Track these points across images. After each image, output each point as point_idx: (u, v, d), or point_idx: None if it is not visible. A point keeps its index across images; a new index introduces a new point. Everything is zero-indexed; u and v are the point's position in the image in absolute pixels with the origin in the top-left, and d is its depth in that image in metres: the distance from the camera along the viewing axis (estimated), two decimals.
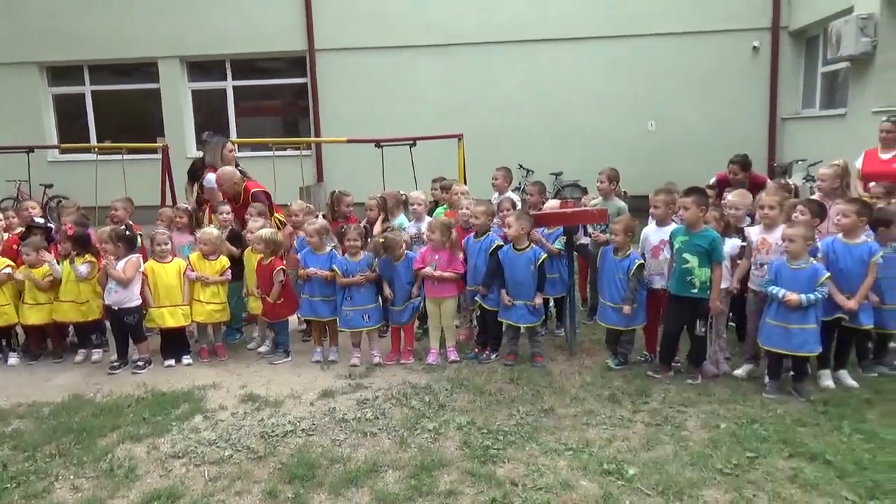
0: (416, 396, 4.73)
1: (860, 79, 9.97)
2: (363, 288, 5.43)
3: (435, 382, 4.99)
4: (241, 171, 6.75)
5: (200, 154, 7.93)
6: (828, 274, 4.46)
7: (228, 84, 14.00)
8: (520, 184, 11.83)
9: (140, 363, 5.50)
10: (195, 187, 7.21)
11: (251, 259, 5.79)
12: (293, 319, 6.03)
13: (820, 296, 4.40)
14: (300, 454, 3.92)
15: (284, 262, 5.65)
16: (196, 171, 7.69)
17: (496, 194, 6.64)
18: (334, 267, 5.47)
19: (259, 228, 5.73)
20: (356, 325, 5.47)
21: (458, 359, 5.45)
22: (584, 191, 11.69)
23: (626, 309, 5.05)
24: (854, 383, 4.67)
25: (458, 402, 4.60)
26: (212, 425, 4.38)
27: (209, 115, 14.08)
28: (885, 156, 6.40)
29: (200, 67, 14.07)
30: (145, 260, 5.69)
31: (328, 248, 5.66)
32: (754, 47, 12.53)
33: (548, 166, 12.86)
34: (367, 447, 4.01)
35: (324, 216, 6.31)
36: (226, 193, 6.43)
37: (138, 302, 5.48)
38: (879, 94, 9.49)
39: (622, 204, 6.08)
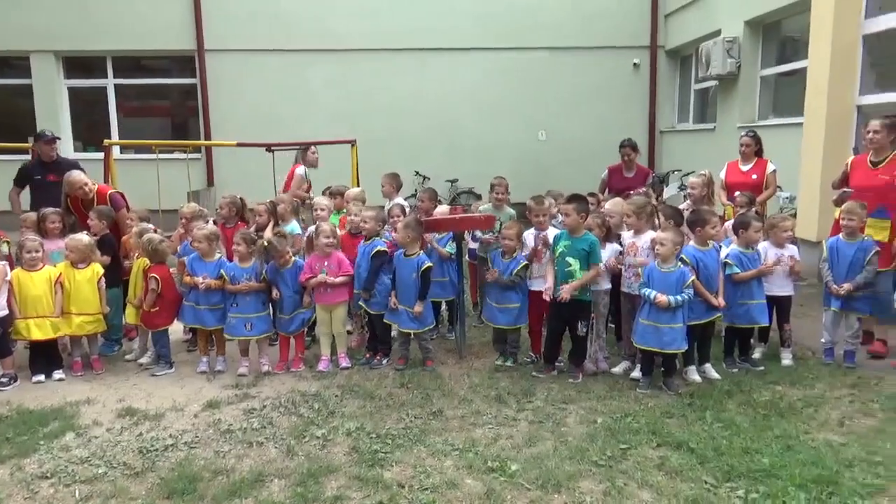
0: (305, 404, 4.68)
1: (727, 96, 10.83)
2: (248, 296, 5.32)
3: (325, 389, 4.97)
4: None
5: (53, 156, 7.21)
6: (693, 277, 4.82)
7: (110, 82, 13.27)
8: (415, 190, 11.94)
9: (4, 380, 5.10)
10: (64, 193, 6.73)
11: (138, 264, 5.53)
12: (178, 328, 5.81)
13: (686, 297, 4.75)
14: (181, 468, 3.78)
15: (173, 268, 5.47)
16: (27, 175, 7.14)
17: (388, 200, 6.69)
18: (222, 272, 5.34)
19: (143, 233, 5.51)
20: (239, 333, 5.35)
21: (350, 365, 5.44)
22: (479, 197, 11.97)
23: (491, 275, 5.25)
24: (717, 376, 5.06)
25: (347, 408, 4.60)
26: (84, 443, 4.14)
27: (88, 115, 13.31)
28: (745, 167, 7.00)
29: (78, 64, 13.25)
30: (12, 268, 5.31)
31: (217, 255, 5.51)
32: (635, 64, 13.32)
33: (443, 173, 13.06)
34: (252, 457, 3.93)
35: (214, 222, 6.16)
36: (74, 199, 6.14)
37: (3, 313, 5.10)
38: (743, 110, 10.37)
39: (512, 211, 6.30)
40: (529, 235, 5.45)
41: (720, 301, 4.99)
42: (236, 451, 4.00)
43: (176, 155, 11.95)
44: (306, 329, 5.67)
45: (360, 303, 5.48)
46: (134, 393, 4.99)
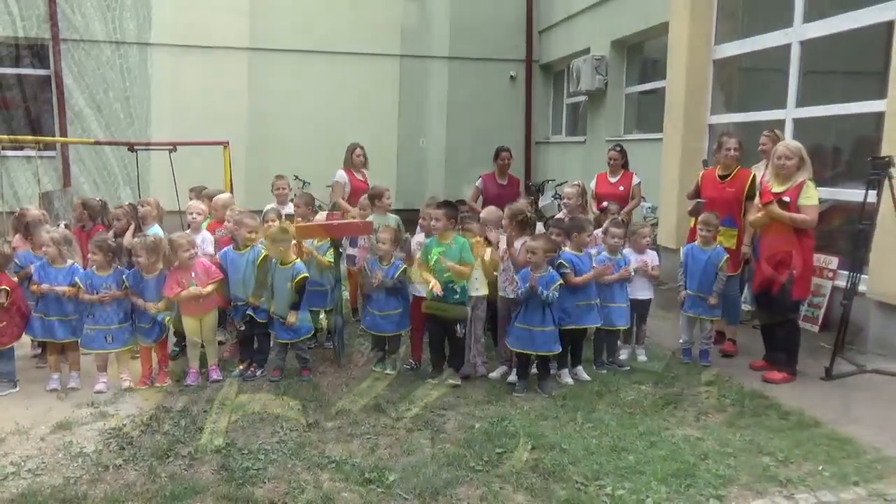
0: (170, 421, 4.39)
1: (596, 111, 11.43)
2: (109, 306, 4.92)
3: (193, 404, 4.68)
4: None
5: None
6: (560, 280, 4.98)
7: None
8: (294, 195, 11.64)
9: None
10: None
11: None
12: (25, 342, 5.27)
13: (554, 294, 4.87)
14: (23, 499, 3.41)
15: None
16: None
17: (272, 203, 6.42)
18: (76, 281, 4.90)
19: None
20: (98, 347, 4.95)
21: (221, 377, 5.17)
22: None
23: (378, 276, 5.20)
24: (587, 377, 5.28)
25: (218, 424, 4.36)
26: None
27: None
28: (613, 179, 7.41)
29: None
30: None
31: (69, 262, 5.06)
32: (511, 76, 13.76)
33: (324, 178, 12.76)
34: (108, 482, 3.62)
35: (66, 226, 5.66)
36: None
37: None
38: (610, 124, 10.98)
39: (393, 216, 6.26)
40: (415, 241, 5.45)
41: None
42: (90, 476, 3.67)
43: (25, 152, 10.88)
44: (174, 340, 5.32)
45: (248, 312, 5.22)
46: None
